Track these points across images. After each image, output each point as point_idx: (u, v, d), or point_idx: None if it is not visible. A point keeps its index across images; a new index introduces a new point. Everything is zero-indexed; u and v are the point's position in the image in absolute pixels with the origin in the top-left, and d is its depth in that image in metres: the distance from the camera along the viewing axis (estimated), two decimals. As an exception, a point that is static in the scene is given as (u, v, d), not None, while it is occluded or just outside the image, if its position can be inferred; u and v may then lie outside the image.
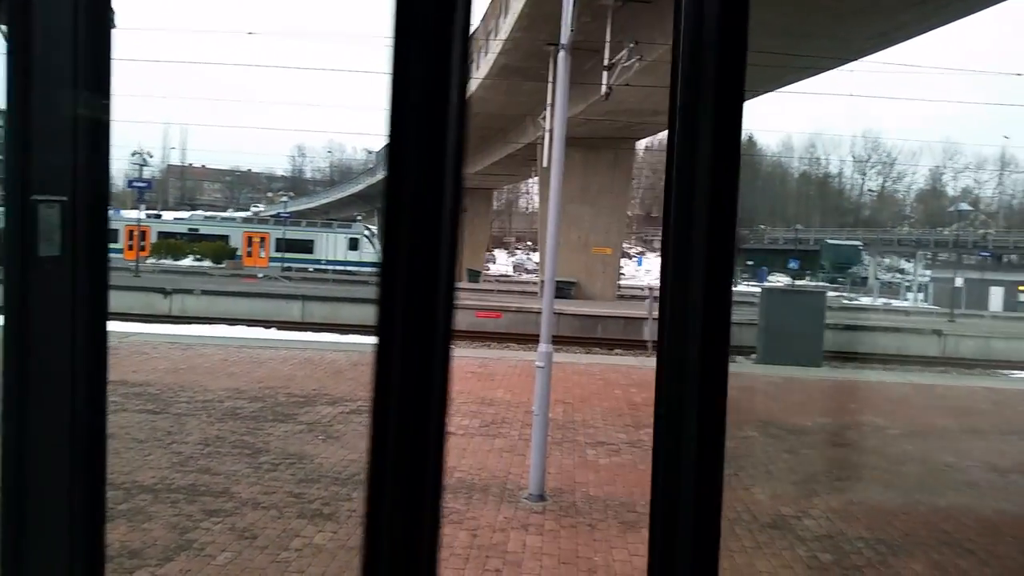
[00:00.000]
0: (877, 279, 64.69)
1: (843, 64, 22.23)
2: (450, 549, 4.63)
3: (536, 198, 54.44)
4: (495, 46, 26.28)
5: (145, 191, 40.46)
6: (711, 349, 0.57)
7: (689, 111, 0.59)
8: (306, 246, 49.45)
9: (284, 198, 68.81)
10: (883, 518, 5.66)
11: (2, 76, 1.22)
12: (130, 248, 39.60)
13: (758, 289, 22.38)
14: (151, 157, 39.65)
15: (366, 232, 53.27)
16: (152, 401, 8.18)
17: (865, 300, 52.68)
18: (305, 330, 19.94)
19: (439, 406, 0.64)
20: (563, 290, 30.72)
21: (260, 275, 39.27)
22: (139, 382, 9.06)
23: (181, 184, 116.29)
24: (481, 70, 29.29)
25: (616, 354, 18.92)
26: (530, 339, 18.92)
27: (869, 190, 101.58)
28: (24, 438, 1.21)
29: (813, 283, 64.22)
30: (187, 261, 44.81)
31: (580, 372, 11.71)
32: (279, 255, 47.23)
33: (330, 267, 47.26)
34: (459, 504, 5.46)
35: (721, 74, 0.56)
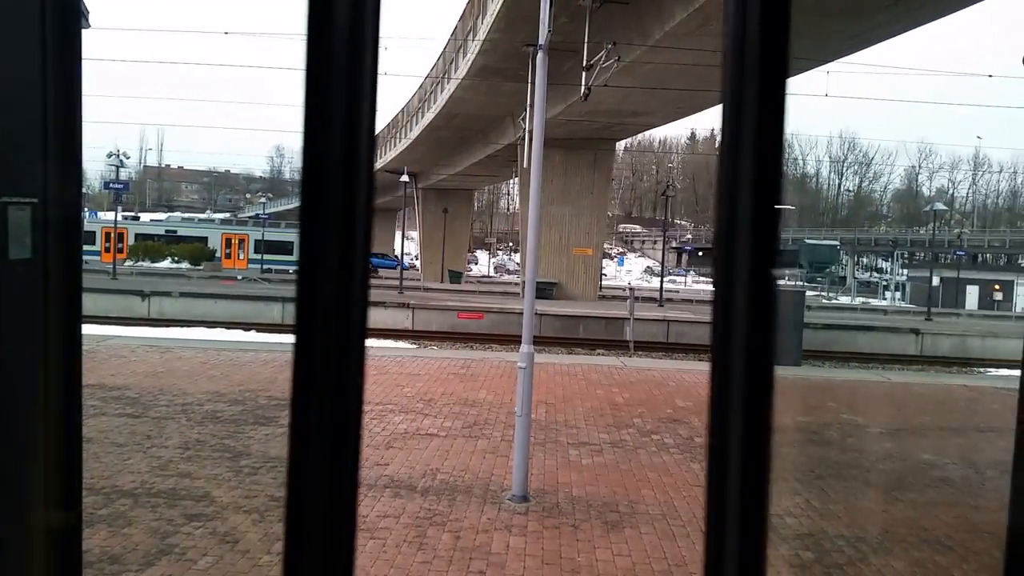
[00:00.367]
0: (855, 278, 65.40)
1: (819, 65, 22.45)
2: (433, 551, 4.62)
3: (517, 199, 54.53)
4: (474, 47, 26.25)
5: (122, 193, 39.99)
6: (755, 350, 0.56)
7: (734, 105, 0.58)
8: (285, 247, 49.13)
9: (263, 199, 68.28)
10: (863, 516, 5.72)
11: None
12: (107, 250, 39.17)
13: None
14: (127, 158, 39.21)
15: (346, 233, 52.99)
16: (131, 405, 8.09)
17: (843, 299, 53.22)
18: (285, 332, 19.81)
19: (356, 404, 0.64)
20: (545, 291, 30.77)
21: (239, 277, 38.98)
22: (118, 386, 8.95)
23: (158, 185, 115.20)
24: (460, 71, 29.25)
25: (598, 354, 18.97)
26: (512, 340, 18.92)
27: (846, 190, 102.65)
28: None
29: (792, 283, 64.77)
30: (165, 263, 44.35)
31: (562, 372, 11.73)
32: (258, 257, 46.89)
33: None
34: (442, 506, 5.44)
35: (764, 69, 0.55)
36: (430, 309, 25.47)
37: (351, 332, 0.69)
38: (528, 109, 21.64)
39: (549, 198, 30.95)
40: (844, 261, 71.86)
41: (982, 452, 7.76)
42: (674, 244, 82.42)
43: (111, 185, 36.66)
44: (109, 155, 36.29)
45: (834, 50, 20.75)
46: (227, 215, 74.73)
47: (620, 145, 52.45)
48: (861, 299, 53.30)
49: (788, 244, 75.27)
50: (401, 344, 18.88)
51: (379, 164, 51.07)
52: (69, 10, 1.31)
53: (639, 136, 67.96)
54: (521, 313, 6.58)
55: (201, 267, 44.55)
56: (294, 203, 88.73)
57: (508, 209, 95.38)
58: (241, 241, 49.55)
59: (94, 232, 41.75)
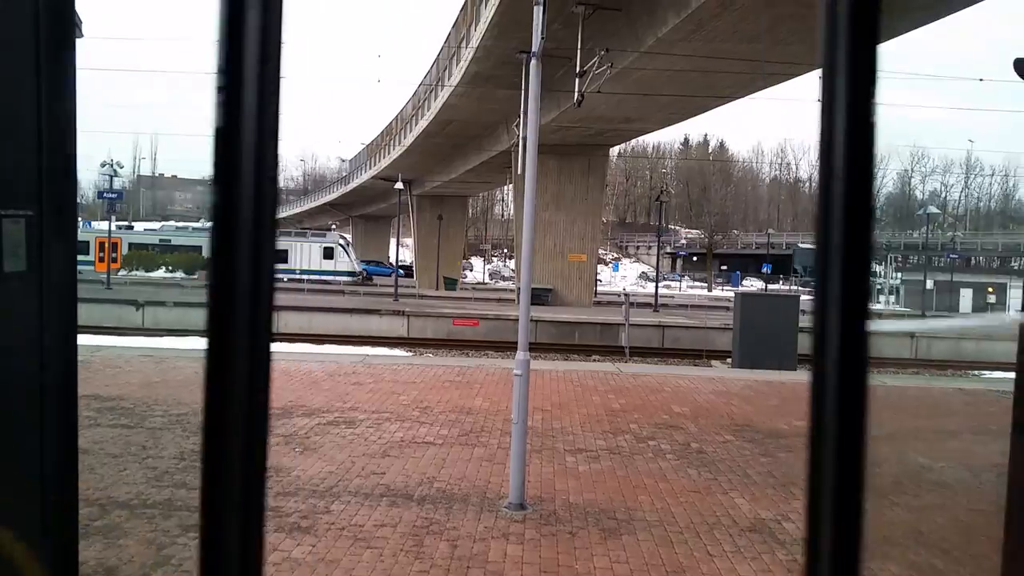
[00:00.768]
0: (849, 282, 65.37)
1: (812, 70, 22.54)
2: (431, 560, 4.60)
3: (511, 205, 54.50)
4: (467, 54, 26.31)
5: (115, 202, 39.89)
6: (848, 355, 0.56)
7: (827, 112, 0.58)
8: (280, 255, 48.84)
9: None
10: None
11: None
12: (101, 260, 39.04)
13: (732, 293, 22.56)
14: (121, 167, 39.12)
15: (341, 241, 53.00)
16: (126, 415, 8.05)
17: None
18: (280, 341, 19.78)
19: (263, 407, 0.65)
20: (540, 297, 30.79)
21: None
22: (112, 396, 8.92)
23: (152, 194, 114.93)
24: (454, 78, 29.31)
25: (594, 360, 18.98)
26: (508, 346, 18.91)
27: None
28: None
29: (786, 287, 64.93)
30: (159, 273, 44.24)
31: (558, 379, 11.72)
32: None
33: (305, 276, 46.92)
34: (439, 515, 5.42)
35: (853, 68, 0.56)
36: (425, 316, 25.45)
37: (259, 334, 0.71)
38: (522, 116, 21.69)
39: (543, 204, 31.00)
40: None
41: (978, 455, 7.78)
42: (668, 249, 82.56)
43: (105, 194, 36.56)
44: (103, 164, 36.24)
45: (826, 55, 20.82)
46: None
47: (614, 151, 52.53)
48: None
49: (783, 248, 75.50)
50: (396, 352, 18.87)
51: (373, 172, 51.14)
52: (63, 21, 1.31)
53: (632, 142, 68.14)
54: (516, 320, 6.58)
55: (195, 276, 44.44)
56: (288, 211, 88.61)
57: (503, 215, 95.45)
58: (235, 250, 49.45)
59: (88, 242, 41.61)
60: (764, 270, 61.09)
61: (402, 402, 9.46)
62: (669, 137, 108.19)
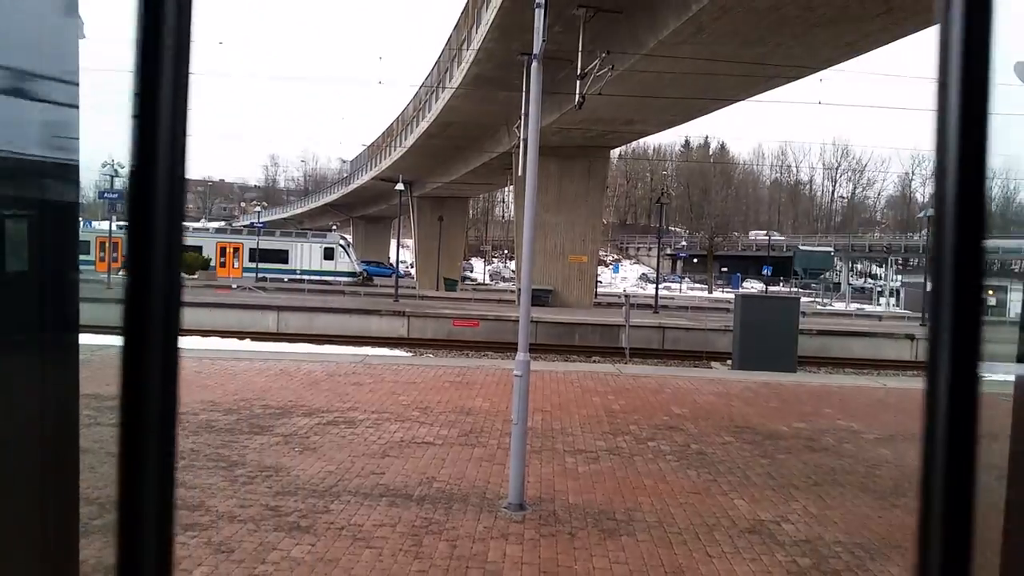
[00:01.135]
0: (850, 284, 65.58)
1: (813, 72, 22.55)
2: (430, 560, 4.60)
3: (512, 206, 54.49)
4: (468, 56, 26.32)
5: (116, 202, 39.89)
6: (959, 363, 0.57)
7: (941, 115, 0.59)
8: (280, 256, 49.06)
9: (257, 208, 68.20)
10: (859, 522, 5.71)
11: None
12: (102, 260, 39.06)
13: (732, 295, 22.55)
14: (122, 168, 39.13)
15: (341, 242, 53.00)
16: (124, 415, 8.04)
17: (838, 305, 53.34)
18: (281, 341, 19.79)
19: (172, 402, 0.68)
20: (540, 298, 30.79)
21: (234, 285, 38.91)
22: (112, 395, 8.88)
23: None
24: (455, 80, 29.32)
25: (594, 361, 18.98)
26: (507, 347, 18.91)
27: (840, 196, 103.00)
28: None
29: (786, 289, 64.92)
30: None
31: (558, 380, 11.72)
32: (253, 265, 46.81)
33: (305, 277, 46.91)
34: (439, 515, 5.43)
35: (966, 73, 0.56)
36: (425, 317, 25.44)
37: (171, 330, 0.74)
38: (523, 117, 21.70)
39: (544, 206, 30.98)
40: (838, 267, 72.05)
41: (979, 457, 7.77)
42: (669, 251, 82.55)
43: (105, 195, 36.59)
44: (104, 165, 36.27)
45: (826, 58, 20.84)
46: (221, 224, 74.60)
47: (614, 153, 52.54)
48: (856, 305, 53.40)
49: (783, 250, 75.50)
50: (397, 352, 18.87)
51: (373, 173, 51.07)
52: (65, 22, 1.31)
53: (633, 144, 68.14)
54: (516, 320, 6.58)
55: (196, 276, 44.43)
56: (289, 212, 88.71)
57: (503, 217, 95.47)
58: (236, 250, 49.47)
59: (88, 242, 41.63)
60: (765, 272, 61.10)
61: (402, 402, 9.46)
62: (670, 139, 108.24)
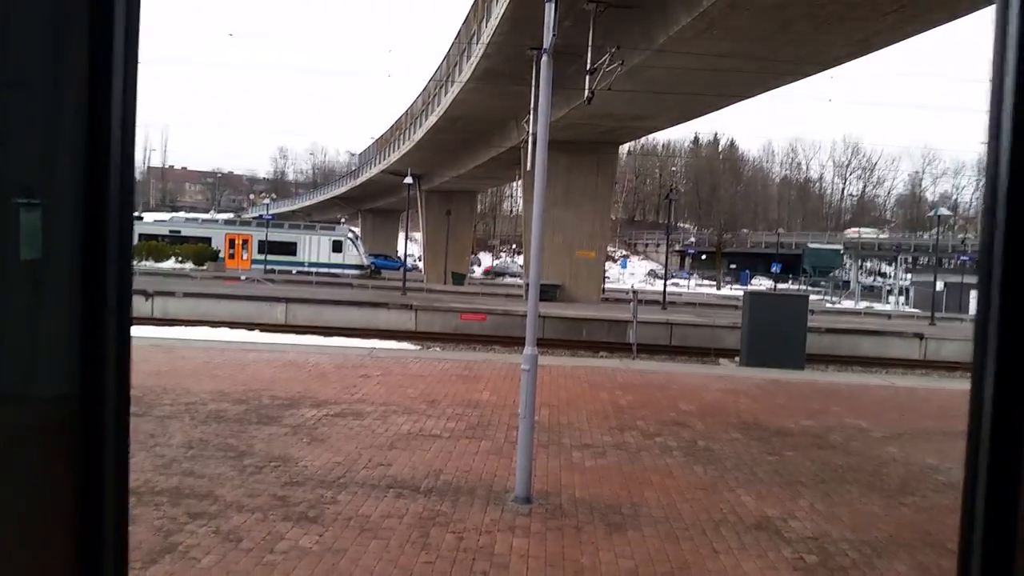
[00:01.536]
0: (859, 283, 65.34)
1: (823, 70, 22.45)
2: (437, 551, 4.62)
3: (520, 201, 54.43)
4: (477, 50, 26.28)
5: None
6: (1007, 362, 0.57)
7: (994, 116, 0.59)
8: (289, 248, 49.19)
9: (266, 200, 68.36)
10: (867, 520, 5.70)
11: None
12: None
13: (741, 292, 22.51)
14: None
15: (349, 235, 53.09)
16: (135, 403, 8.04)
17: (847, 303, 53.16)
18: (288, 332, 19.84)
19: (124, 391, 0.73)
20: (548, 293, 30.78)
21: (243, 277, 39.03)
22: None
23: (162, 186, 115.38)
24: (464, 74, 29.30)
25: (601, 357, 18.97)
26: (515, 341, 18.92)
27: (849, 195, 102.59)
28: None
29: (795, 286, 64.74)
30: (169, 263, 44.39)
31: (565, 375, 11.73)
32: (261, 257, 46.94)
33: (313, 269, 47.02)
34: (445, 507, 5.44)
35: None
36: (433, 311, 25.48)
37: (124, 318, 0.77)
38: (532, 112, 21.66)
39: (552, 201, 30.93)
40: (847, 266, 71.79)
41: None
42: (677, 247, 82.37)
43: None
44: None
45: (837, 56, 20.75)
46: (230, 215, 74.84)
47: (623, 148, 52.44)
48: (865, 303, 53.21)
49: (792, 248, 75.25)
50: (404, 345, 18.89)
51: (382, 166, 51.19)
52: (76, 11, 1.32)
53: (642, 140, 67.92)
54: (523, 315, 6.58)
55: (205, 267, 44.60)
56: (297, 204, 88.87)
57: (511, 211, 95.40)
58: (245, 242, 49.63)
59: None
60: (774, 269, 60.95)
61: (409, 395, 9.48)
62: (679, 135, 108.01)
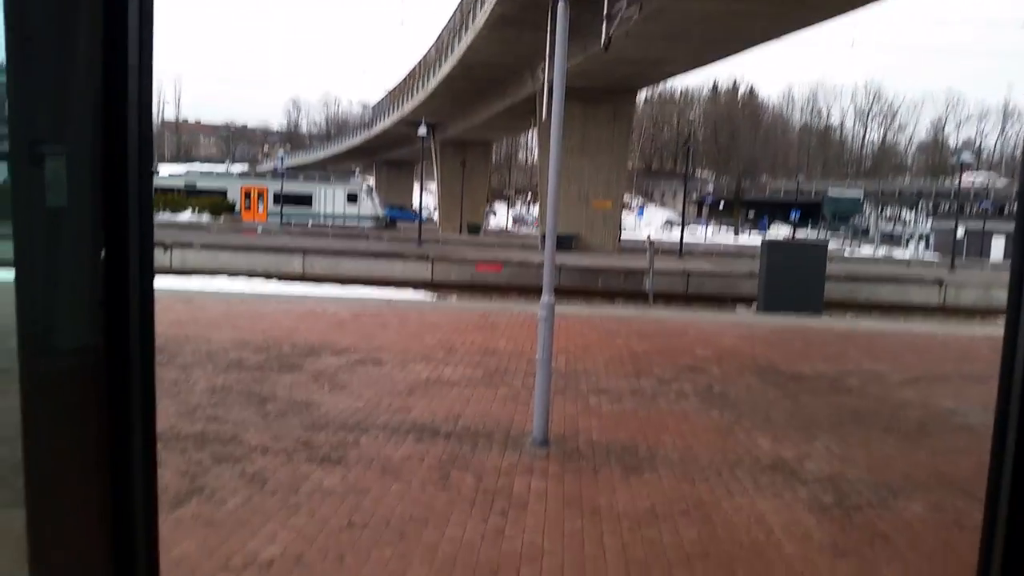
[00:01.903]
0: (879, 230, 64.60)
1: (847, 10, 21.85)
2: (457, 491, 4.71)
3: (536, 151, 53.92)
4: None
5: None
6: None
7: None
8: (304, 200, 49.19)
9: (280, 152, 68.15)
10: (883, 461, 5.74)
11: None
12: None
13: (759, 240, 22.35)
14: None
15: (365, 186, 52.96)
16: (158, 352, 8.20)
17: (866, 250, 52.65)
18: (307, 283, 19.99)
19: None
20: (564, 243, 30.70)
21: (259, 229, 39.18)
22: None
23: (176, 139, 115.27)
24: (478, 21, 28.80)
25: (618, 305, 18.99)
26: (531, 291, 18.96)
27: (871, 141, 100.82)
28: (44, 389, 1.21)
29: (814, 234, 64.12)
30: (185, 216, 44.62)
31: (581, 323, 11.77)
32: (277, 209, 47.02)
33: (329, 221, 47.07)
34: (465, 449, 5.53)
35: None
36: (449, 261, 25.53)
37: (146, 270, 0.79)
38: (548, 60, 21.32)
39: (568, 150, 30.65)
40: (867, 212, 70.90)
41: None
42: (695, 196, 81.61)
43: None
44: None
45: (859, -2, 20.18)
46: (245, 168, 74.78)
47: (640, 96, 51.61)
48: (884, 250, 52.68)
49: (812, 195, 74.31)
50: (421, 295, 18.99)
51: (396, 116, 50.68)
52: None
53: (660, 87, 66.89)
54: (539, 265, 6.59)
55: (221, 219, 44.79)
56: (311, 156, 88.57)
57: (527, 162, 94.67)
58: (260, 194, 49.67)
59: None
60: (793, 216, 60.31)
61: (427, 343, 9.57)
62: (698, 82, 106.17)
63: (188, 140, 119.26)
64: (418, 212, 44.11)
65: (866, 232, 66.93)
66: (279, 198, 47.42)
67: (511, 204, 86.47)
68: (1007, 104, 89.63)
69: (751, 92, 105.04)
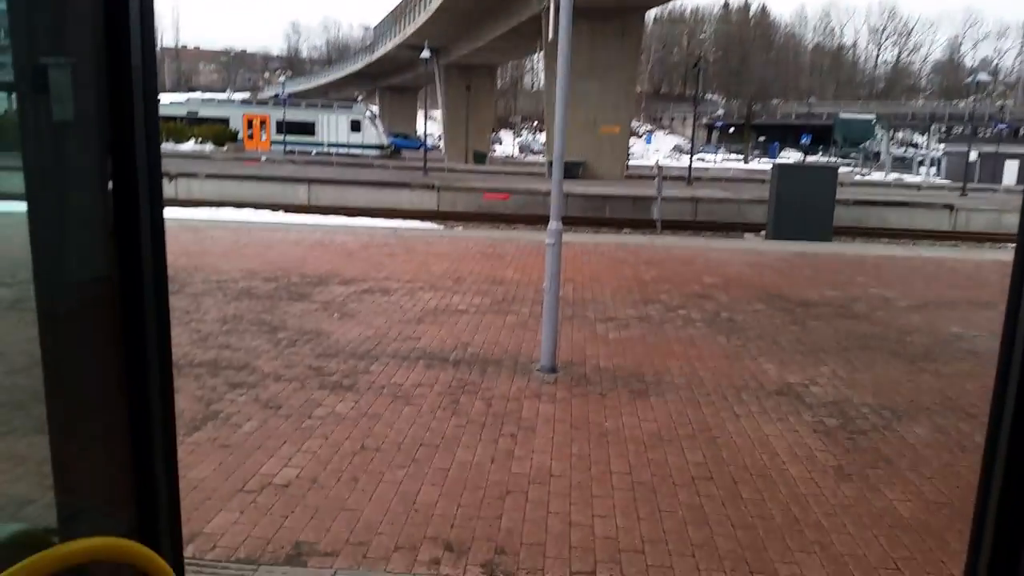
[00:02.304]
0: (890, 154, 63.67)
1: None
2: (467, 416, 4.80)
3: (542, 75, 52.83)
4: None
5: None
6: None
7: None
8: (307, 128, 48.57)
9: (282, 78, 66.99)
10: (888, 386, 5.80)
11: None
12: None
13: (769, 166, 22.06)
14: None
15: (368, 113, 52.20)
16: (169, 281, 8.27)
17: (877, 175, 52.03)
18: (313, 213, 19.92)
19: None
20: (571, 170, 30.38)
21: (263, 158, 38.86)
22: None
23: (176, 66, 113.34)
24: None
25: (625, 233, 18.92)
26: (538, 220, 18.87)
27: (884, 62, 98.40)
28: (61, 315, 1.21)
29: (825, 158, 63.28)
30: (188, 145, 44.22)
31: (589, 251, 11.75)
32: (280, 138, 46.52)
33: (332, 150, 46.59)
34: (474, 376, 5.61)
35: None
36: (455, 190, 25.35)
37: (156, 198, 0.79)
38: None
39: (575, 73, 29.96)
40: (879, 136, 69.76)
41: None
42: (704, 121, 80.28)
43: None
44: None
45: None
46: (246, 95, 73.68)
47: (649, 15, 50.22)
48: (895, 175, 52.03)
49: (823, 119, 73.00)
50: (428, 224, 18.93)
51: (398, 39, 49.64)
52: None
53: (669, 6, 64.99)
54: (546, 193, 6.52)
55: (224, 148, 44.40)
56: (313, 82, 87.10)
57: (532, 87, 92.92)
58: (263, 122, 49.06)
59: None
60: (803, 141, 59.36)
61: (435, 272, 9.59)
62: (708, 1, 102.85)
63: (188, 68, 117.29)
64: (423, 140, 43.56)
65: (877, 156, 65.97)
66: (282, 126, 46.84)
67: (517, 132, 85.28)
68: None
69: (763, 11, 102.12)
